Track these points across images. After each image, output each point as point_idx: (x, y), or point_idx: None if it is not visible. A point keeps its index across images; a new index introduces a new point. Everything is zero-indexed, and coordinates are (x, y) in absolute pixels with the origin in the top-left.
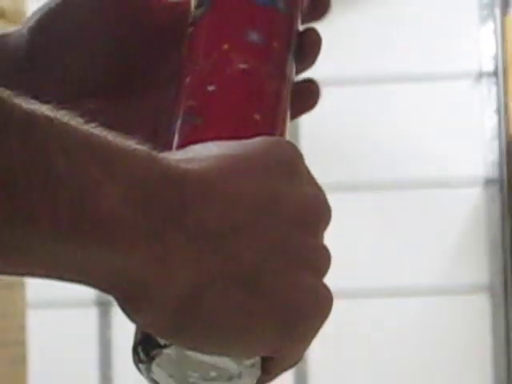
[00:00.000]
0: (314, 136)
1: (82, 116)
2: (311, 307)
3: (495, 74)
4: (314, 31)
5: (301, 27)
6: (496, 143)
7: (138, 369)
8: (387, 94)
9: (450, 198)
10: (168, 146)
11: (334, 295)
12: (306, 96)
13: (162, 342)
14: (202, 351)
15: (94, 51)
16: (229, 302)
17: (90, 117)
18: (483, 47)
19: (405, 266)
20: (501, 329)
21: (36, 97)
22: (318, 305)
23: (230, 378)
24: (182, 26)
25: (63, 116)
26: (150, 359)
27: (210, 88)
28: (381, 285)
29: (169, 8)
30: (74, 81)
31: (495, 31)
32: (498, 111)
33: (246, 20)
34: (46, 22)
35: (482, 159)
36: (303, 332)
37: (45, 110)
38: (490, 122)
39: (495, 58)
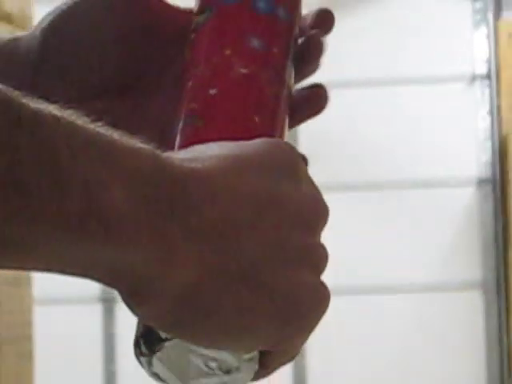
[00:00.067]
0: (312, 135)
1: (88, 115)
2: (310, 303)
3: (488, 76)
4: (318, 35)
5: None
6: (489, 144)
7: (140, 362)
8: (384, 96)
9: (444, 198)
10: (172, 148)
11: (331, 291)
12: (314, 101)
13: (163, 335)
14: (203, 345)
15: (105, 51)
16: (229, 298)
17: (100, 116)
18: (476, 51)
19: (400, 264)
20: (493, 324)
21: (48, 97)
22: (316, 301)
23: (229, 372)
24: (187, 30)
25: (70, 115)
26: (152, 352)
27: (212, 91)
28: (377, 281)
29: (176, 13)
30: (85, 81)
31: (488, 36)
32: (491, 113)
33: (248, 27)
34: (58, 24)
35: (476, 160)
36: (301, 327)
37: (52, 109)
38: (483, 123)
39: (488, 61)
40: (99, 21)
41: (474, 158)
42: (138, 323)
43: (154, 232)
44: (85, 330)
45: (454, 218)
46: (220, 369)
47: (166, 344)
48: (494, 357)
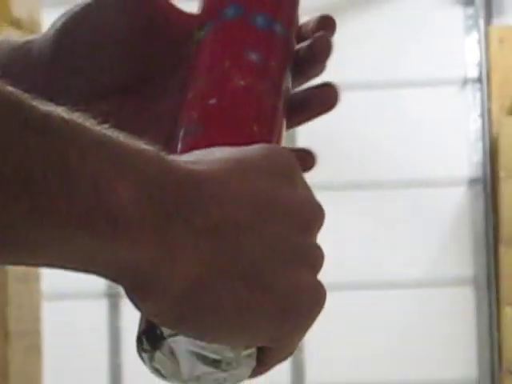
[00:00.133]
0: (310, 135)
1: (96, 117)
2: (308, 302)
3: (479, 80)
4: (325, 37)
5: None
6: (480, 145)
7: (141, 358)
8: (380, 99)
9: (436, 197)
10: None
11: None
12: (326, 99)
13: (165, 332)
14: (204, 340)
15: (115, 52)
16: (230, 296)
17: (107, 118)
18: (468, 56)
19: (395, 260)
20: (484, 319)
21: (60, 97)
22: (314, 300)
23: (228, 368)
24: (194, 34)
25: (77, 117)
26: (153, 349)
27: (212, 101)
28: (371, 278)
29: (184, 16)
30: (96, 81)
31: (479, 41)
32: (482, 115)
33: (246, 41)
34: (71, 25)
35: (467, 160)
36: (300, 324)
37: (60, 111)
38: (474, 125)
39: (479, 65)
40: (110, 22)
41: (465, 158)
42: (141, 320)
43: (159, 232)
44: (91, 324)
45: (447, 216)
46: (219, 365)
47: (168, 341)
48: (485, 352)
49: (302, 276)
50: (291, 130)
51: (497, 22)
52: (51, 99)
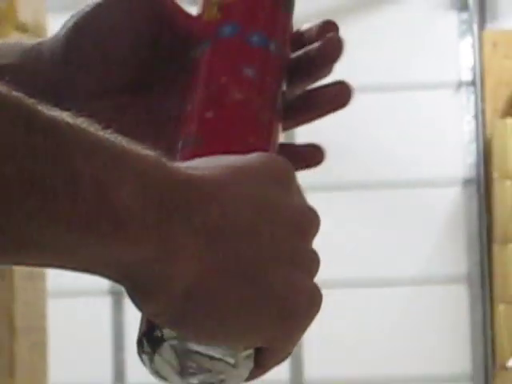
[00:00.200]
0: (309, 135)
1: (100, 122)
2: (305, 304)
3: (473, 83)
4: (335, 37)
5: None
6: (474, 146)
7: (141, 359)
8: (375, 101)
9: (431, 197)
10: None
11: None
12: (338, 96)
13: (165, 333)
14: (203, 340)
15: (124, 52)
16: (229, 296)
17: (109, 124)
18: (462, 59)
19: (390, 259)
20: (478, 317)
21: (71, 96)
22: (311, 302)
23: (227, 369)
24: (198, 34)
25: (82, 122)
26: (153, 351)
27: (209, 115)
28: (367, 275)
29: (189, 18)
30: (106, 80)
31: (473, 45)
32: (476, 117)
33: (242, 58)
34: (81, 25)
35: (461, 161)
36: (297, 324)
37: (65, 116)
38: (468, 126)
39: (473, 69)
40: (120, 22)
41: (459, 159)
42: (141, 323)
43: (159, 233)
44: (95, 321)
45: (441, 215)
46: (218, 366)
47: (167, 343)
48: (479, 349)
49: (297, 278)
50: (289, 131)
51: (490, 26)
52: (63, 98)
